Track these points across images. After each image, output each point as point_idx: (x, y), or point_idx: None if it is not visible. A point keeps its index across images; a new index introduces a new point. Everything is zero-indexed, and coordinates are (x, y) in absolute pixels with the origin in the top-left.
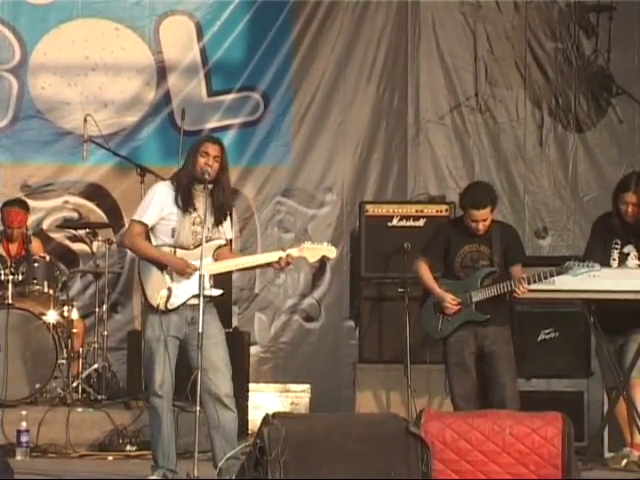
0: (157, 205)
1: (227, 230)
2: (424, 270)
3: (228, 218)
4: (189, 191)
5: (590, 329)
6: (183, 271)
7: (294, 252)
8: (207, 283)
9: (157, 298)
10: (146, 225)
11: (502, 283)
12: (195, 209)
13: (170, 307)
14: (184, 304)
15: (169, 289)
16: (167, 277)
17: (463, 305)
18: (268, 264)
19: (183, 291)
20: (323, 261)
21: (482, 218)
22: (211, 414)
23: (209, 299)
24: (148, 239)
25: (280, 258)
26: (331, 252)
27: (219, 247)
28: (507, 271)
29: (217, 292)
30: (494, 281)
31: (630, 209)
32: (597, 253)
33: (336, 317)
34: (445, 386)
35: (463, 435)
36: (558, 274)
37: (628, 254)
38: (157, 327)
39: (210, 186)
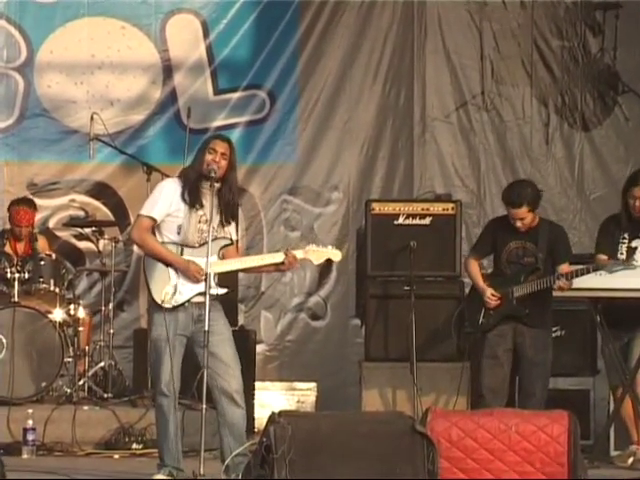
0: (165, 201)
1: (233, 230)
2: (473, 266)
3: (236, 218)
4: (197, 188)
5: (596, 327)
6: (193, 277)
7: (299, 254)
8: (212, 281)
9: (162, 294)
10: (155, 220)
11: (544, 279)
12: (202, 206)
13: (175, 304)
14: (188, 301)
15: (174, 286)
16: (172, 274)
17: (505, 300)
18: (274, 265)
19: (188, 288)
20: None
21: (519, 217)
22: (221, 411)
23: (214, 297)
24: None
25: (285, 257)
26: (336, 256)
27: (225, 246)
28: (553, 269)
29: (222, 291)
30: (537, 278)
31: (638, 203)
32: (607, 249)
33: (342, 315)
34: (469, 381)
35: (469, 433)
36: (595, 270)
37: (636, 248)
38: (163, 325)
39: (217, 184)
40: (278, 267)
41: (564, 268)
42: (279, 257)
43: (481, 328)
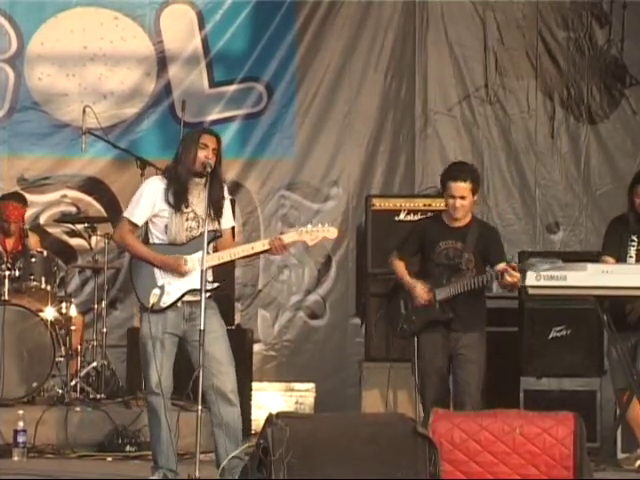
0: (147, 202)
1: (228, 219)
2: (398, 264)
3: (227, 209)
4: (184, 187)
5: (603, 326)
6: (177, 271)
7: (292, 236)
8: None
9: (150, 297)
10: (136, 225)
11: (471, 279)
12: (188, 205)
13: (163, 305)
14: (178, 301)
15: (161, 287)
16: (158, 275)
17: (428, 304)
18: (264, 252)
19: (175, 287)
20: (329, 256)
21: (460, 194)
22: (215, 412)
23: (206, 293)
24: (146, 239)
25: (271, 242)
26: (331, 233)
27: (215, 239)
28: (481, 270)
29: (213, 285)
30: (461, 279)
31: None
32: (614, 249)
33: (342, 314)
34: (415, 387)
35: (472, 435)
36: (520, 270)
37: None
38: (152, 324)
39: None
40: (269, 252)
41: (502, 266)
42: (267, 243)
43: (401, 334)
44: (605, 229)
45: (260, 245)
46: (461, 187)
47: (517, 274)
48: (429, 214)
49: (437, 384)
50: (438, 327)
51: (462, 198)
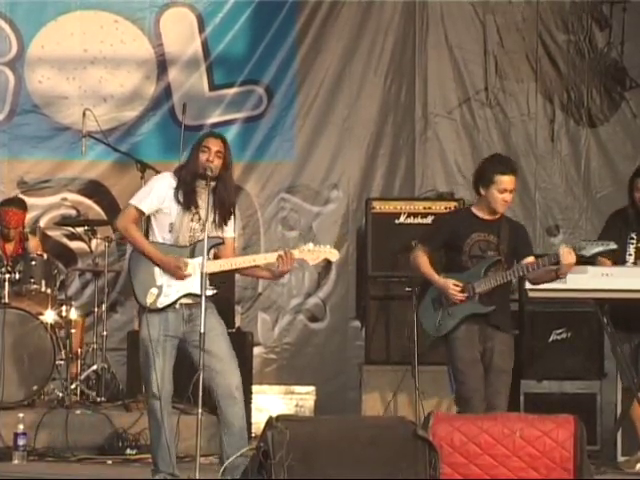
0: (157, 195)
1: (229, 229)
2: (423, 259)
3: (232, 217)
4: (192, 189)
5: (603, 329)
6: (176, 274)
7: (295, 253)
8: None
9: (147, 296)
10: (142, 212)
11: (509, 271)
12: (197, 207)
13: (160, 306)
14: (175, 302)
15: (159, 287)
16: (157, 274)
17: (466, 297)
18: (269, 272)
19: (174, 290)
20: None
21: (510, 187)
22: (221, 410)
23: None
24: (146, 235)
25: (279, 257)
26: (333, 255)
27: (216, 245)
28: (510, 265)
29: (211, 292)
30: (502, 271)
31: None
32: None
33: (342, 317)
34: (451, 385)
35: (472, 438)
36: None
37: None
38: (152, 327)
39: (213, 183)
40: (273, 273)
41: (531, 259)
42: (271, 257)
43: (439, 331)
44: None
45: (262, 258)
46: (512, 180)
47: (573, 256)
48: (430, 217)
49: (477, 373)
50: (474, 320)
51: (510, 192)
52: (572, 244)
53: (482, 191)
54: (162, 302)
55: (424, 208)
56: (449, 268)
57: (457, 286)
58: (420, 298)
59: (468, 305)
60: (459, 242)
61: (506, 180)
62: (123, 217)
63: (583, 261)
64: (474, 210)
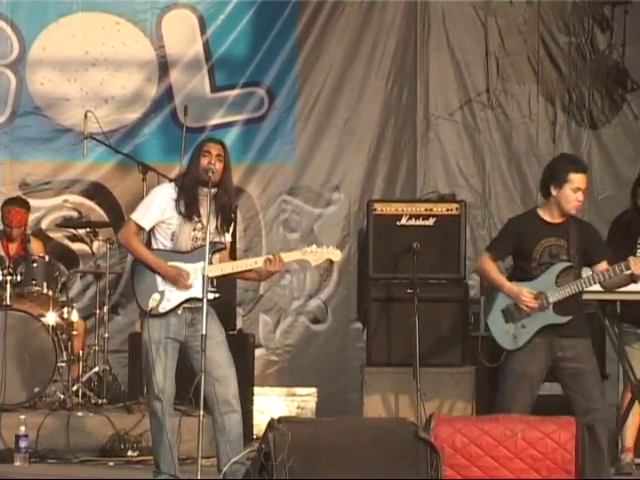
0: (157, 208)
1: (229, 233)
2: (490, 266)
3: (232, 222)
4: (194, 197)
5: (605, 331)
6: (177, 282)
7: (296, 255)
8: (202, 286)
9: (149, 301)
10: (143, 228)
11: (583, 279)
12: (199, 216)
13: (162, 311)
14: (178, 307)
15: (161, 292)
16: (159, 280)
17: (539, 308)
18: (258, 273)
19: (176, 295)
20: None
21: (584, 186)
22: (217, 417)
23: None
24: (149, 242)
25: (267, 259)
26: (335, 256)
27: (218, 251)
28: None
29: (212, 296)
30: (574, 277)
31: None
32: (618, 248)
33: (343, 319)
34: (500, 398)
35: (474, 440)
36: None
37: None
38: (154, 330)
39: (214, 190)
40: (260, 275)
41: (604, 265)
42: (265, 260)
43: (517, 344)
44: (607, 232)
45: (261, 261)
46: (585, 178)
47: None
48: (431, 219)
49: (527, 391)
50: (546, 332)
51: (583, 191)
52: None
53: (554, 191)
54: (164, 307)
55: (426, 210)
56: (517, 276)
57: (530, 294)
58: (487, 309)
59: (543, 315)
60: (527, 247)
61: (580, 178)
62: (124, 231)
63: None
64: (541, 213)
